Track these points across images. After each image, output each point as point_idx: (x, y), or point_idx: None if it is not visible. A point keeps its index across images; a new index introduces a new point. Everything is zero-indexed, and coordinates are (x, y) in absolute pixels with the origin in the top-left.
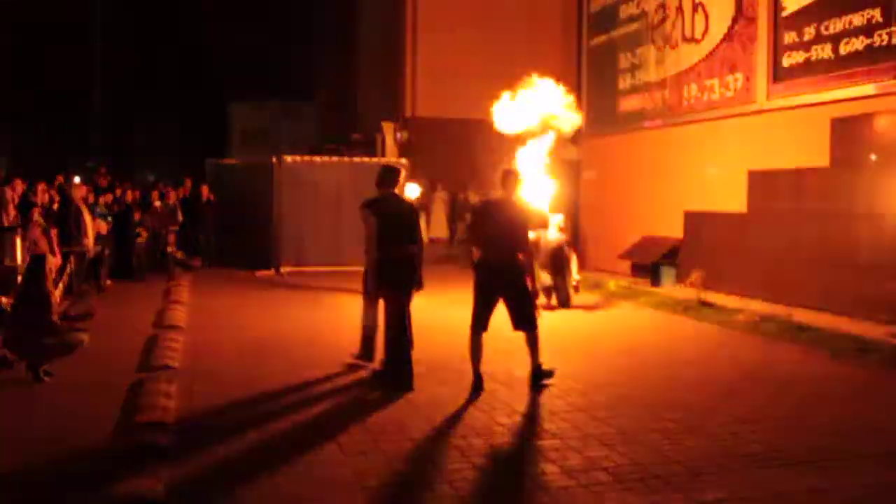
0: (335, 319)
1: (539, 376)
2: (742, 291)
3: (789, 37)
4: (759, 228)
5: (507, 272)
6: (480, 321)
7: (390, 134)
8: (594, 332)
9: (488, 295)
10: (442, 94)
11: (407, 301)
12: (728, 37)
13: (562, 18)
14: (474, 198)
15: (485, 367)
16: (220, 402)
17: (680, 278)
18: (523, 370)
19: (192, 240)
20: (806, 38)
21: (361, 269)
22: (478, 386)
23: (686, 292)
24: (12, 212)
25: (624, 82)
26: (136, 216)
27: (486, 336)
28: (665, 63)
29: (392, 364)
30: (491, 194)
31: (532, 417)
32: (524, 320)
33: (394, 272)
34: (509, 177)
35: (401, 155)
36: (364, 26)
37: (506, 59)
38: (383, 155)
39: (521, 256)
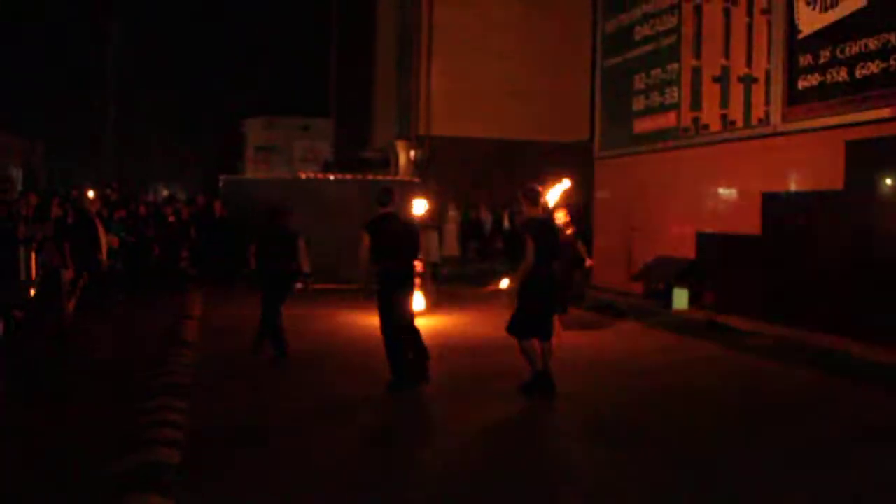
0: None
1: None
2: (756, 314)
3: (804, 59)
4: (772, 250)
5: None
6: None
7: (404, 152)
8: (602, 354)
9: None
10: (457, 112)
11: (404, 309)
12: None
13: (575, 40)
14: (486, 216)
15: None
16: (231, 421)
17: (693, 300)
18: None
19: (204, 256)
20: (821, 60)
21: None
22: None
23: (699, 314)
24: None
25: (639, 103)
26: (150, 232)
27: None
28: (680, 84)
29: (394, 366)
30: (527, 213)
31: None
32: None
33: (393, 282)
34: (535, 193)
35: (415, 173)
36: (380, 44)
37: (523, 77)
38: (397, 173)
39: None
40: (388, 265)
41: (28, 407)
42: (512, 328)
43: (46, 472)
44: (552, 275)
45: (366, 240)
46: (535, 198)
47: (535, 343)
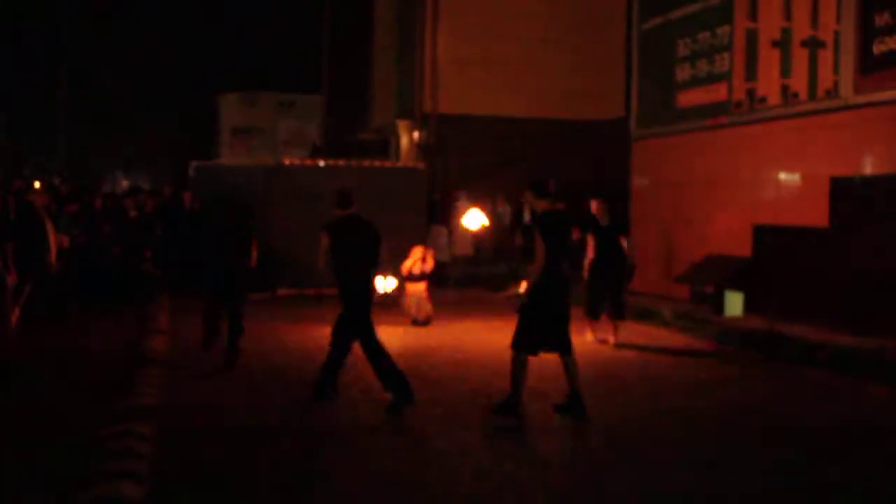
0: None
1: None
2: (823, 322)
3: (881, 19)
4: (844, 247)
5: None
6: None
7: (406, 133)
8: (646, 371)
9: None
10: (468, 85)
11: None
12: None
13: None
14: (504, 209)
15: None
16: (203, 448)
17: (749, 306)
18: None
19: (171, 255)
20: None
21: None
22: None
23: (756, 322)
24: None
25: (683, 73)
26: (107, 228)
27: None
28: (733, 51)
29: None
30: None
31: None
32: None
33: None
34: (540, 184)
35: (419, 158)
36: (379, 6)
37: (543, 45)
38: (398, 158)
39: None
40: (345, 277)
41: None
42: (514, 342)
43: None
44: (562, 276)
45: (325, 241)
46: (540, 189)
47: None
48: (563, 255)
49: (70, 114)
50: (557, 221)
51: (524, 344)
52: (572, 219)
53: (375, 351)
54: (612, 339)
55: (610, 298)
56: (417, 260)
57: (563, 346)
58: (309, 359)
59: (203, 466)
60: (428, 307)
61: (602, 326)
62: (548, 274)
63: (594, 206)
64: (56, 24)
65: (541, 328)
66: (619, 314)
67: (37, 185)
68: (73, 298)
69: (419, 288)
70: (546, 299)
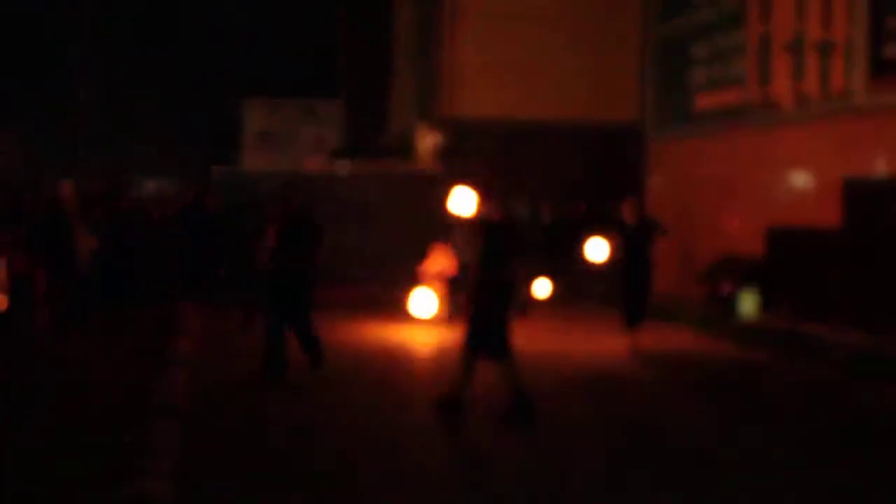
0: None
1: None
2: (839, 321)
3: (893, 21)
4: (857, 247)
5: None
6: None
7: (426, 137)
8: (661, 373)
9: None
10: (487, 89)
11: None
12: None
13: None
14: (523, 211)
15: None
16: (229, 444)
17: (766, 306)
18: None
19: (195, 259)
20: None
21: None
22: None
23: (771, 322)
24: None
25: (698, 77)
26: (135, 233)
27: None
28: (747, 55)
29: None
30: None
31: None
32: None
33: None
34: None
35: (438, 162)
36: (399, 11)
37: (560, 50)
38: (417, 161)
39: None
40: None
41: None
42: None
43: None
44: (500, 280)
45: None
46: (480, 193)
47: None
48: (501, 259)
49: (96, 119)
50: (497, 225)
51: (468, 345)
52: (514, 224)
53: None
54: (631, 344)
55: (631, 300)
56: (438, 259)
57: (497, 351)
58: (338, 355)
59: (229, 462)
60: (446, 306)
61: (636, 331)
62: (484, 277)
63: (624, 206)
64: (83, 30)
65: (479, 331)
66: (635, 319)
67: (66, 189)
68: (99, 299)
69: (438, 285)
70: (482, 302)
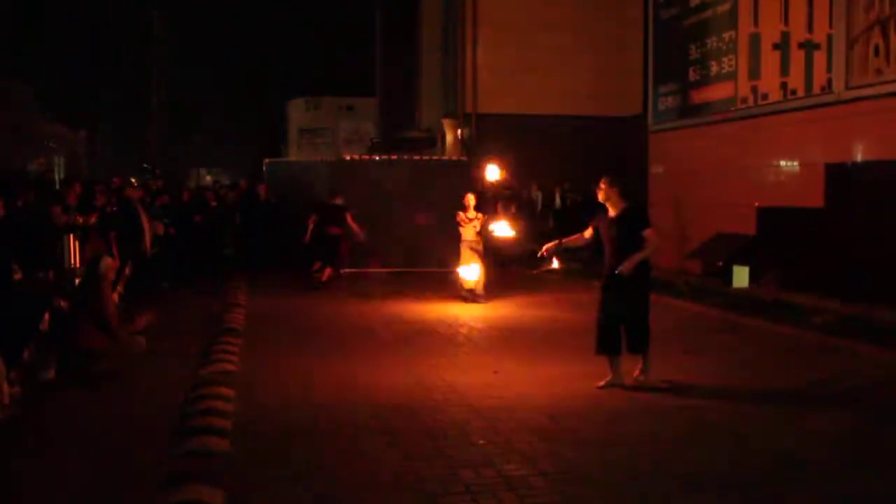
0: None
1: None
2: (820, 290)
3: (866, 21)
4: (836, 224)
5: None
6: None
7: (451, 131)
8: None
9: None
10: (504, 88)
11: None
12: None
13: (628, 6)
14: (536, 194)
15: None
16: (279, 406)
17: (754, 277)
18: None
19: (248, 241)
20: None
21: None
22: None
23: (760, 292)
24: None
25: (694, 73)
26: (198, 218)
27: None
28: (738, 53)
29: None
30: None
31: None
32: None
33: None
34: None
35: (462, 152)
36: (425, 19)
37: (570, 52)
38: (444, 152)
39: None
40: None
41: (79, 392)
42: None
43: (100, 458)
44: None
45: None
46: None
47: None
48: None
49: (161, 118)
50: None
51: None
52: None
53: None
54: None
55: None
56: (470, 207)
57: (641, 344)
58: (371, 331)
59: (282, 423)
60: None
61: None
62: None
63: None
64: (148, 39)
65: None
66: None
67: (133, 181)
68: (165, 279)
69: (473, 241)
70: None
